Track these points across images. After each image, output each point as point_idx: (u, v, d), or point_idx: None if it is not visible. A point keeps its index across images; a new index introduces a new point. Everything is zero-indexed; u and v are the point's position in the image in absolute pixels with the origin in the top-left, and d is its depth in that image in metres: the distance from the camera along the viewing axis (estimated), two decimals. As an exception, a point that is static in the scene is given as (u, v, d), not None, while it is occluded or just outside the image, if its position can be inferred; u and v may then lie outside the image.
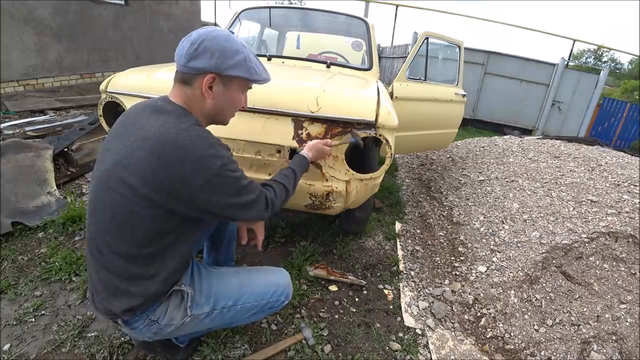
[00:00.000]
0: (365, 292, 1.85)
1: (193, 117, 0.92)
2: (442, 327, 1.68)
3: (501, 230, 2.31)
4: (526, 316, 1.71)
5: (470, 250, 2.24)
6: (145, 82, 1.63)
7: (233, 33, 1.00)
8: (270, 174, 1.58)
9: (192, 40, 0.89)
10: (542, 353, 1.56)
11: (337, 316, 1.66)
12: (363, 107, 1.52)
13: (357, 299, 1.79)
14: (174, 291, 0.99)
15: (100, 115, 1.73)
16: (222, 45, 0.90)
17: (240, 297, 1.09)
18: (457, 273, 2.07)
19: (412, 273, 2.07)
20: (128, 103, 1.64)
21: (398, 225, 2.59)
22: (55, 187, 2.34)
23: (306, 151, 1.33)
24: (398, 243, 2.36)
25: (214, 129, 1.00)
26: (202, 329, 1.11)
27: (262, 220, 1.12)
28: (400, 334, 1.61)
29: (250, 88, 1.04)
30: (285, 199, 1.10)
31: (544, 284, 1.84)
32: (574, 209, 2.26)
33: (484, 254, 2.14)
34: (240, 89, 1.00)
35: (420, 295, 1.88)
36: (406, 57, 2.67)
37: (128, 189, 0.83)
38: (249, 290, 1.11)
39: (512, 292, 1.82)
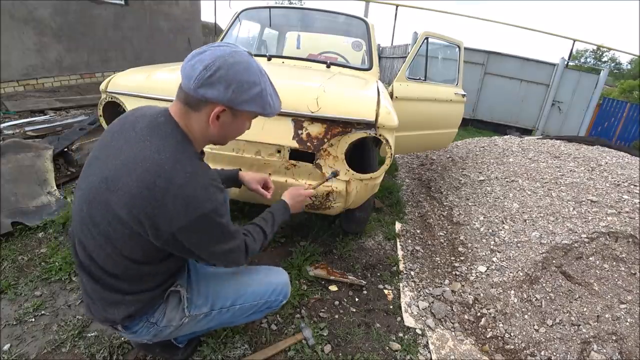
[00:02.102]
0: (365, 292, 1.85)
1: (192, 147, 0.87)
2: (442, 327, 1.68)
3: (501, 230, 2.31)
4: (526, 316, 1.71)
5: (470, 250, 2.24)
6: (145, 82, 1.63)
7: (252, 55, 0.87)
8: (270, 174, 1.58)
9: (206, 64, 0.78)
10: (542, 353, 1.56)
11: (337, 316, 1.65)
12: (363, 107, 1.52)
13: (357, 299, 1.79)
14: (171, 292, 0.99)
15: (100, 115, 1.74)
16: (240, 77, 0.80)
17: (238, 298, 1.09)
18: (457, 273, 2.07)
19: (412, 273, 2.06)
20: (128, 103, 1.64)
21: (398, 225, 2.59)
22: (55, 187, 2.34)
23: (287, 199, 1.24)
24: (398, 243, 2.36)
25: None
26: (201, 329, 1.12)
27: (238, 266, 1.07)
28: (400, 334, 1.61)
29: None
30: (262, 244, 1.05)
31: (544, 284, 1.84)
32: (574, 209, 2.26)
33: (484, 254, 2.14)
34: (249, 119, 0.94)
35: (420, 295, 1.88)
36: (406, 57, 2.67)
37: (112, 215, 0.80)
38: (247, 290, 1.11)
39: (512, 292, 1.82)
